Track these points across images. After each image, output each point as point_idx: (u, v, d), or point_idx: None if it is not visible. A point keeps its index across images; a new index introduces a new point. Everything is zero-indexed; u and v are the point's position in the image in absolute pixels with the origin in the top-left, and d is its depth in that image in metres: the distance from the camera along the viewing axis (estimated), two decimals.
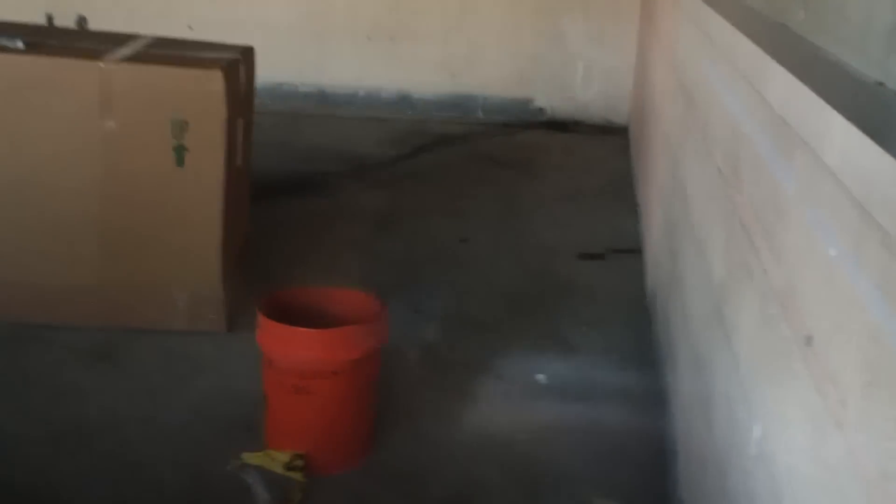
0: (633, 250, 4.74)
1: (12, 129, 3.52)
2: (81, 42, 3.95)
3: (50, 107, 3.51)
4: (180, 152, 3.50)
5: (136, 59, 3.60)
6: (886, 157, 1.14)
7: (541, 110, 7.43)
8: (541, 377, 3.46)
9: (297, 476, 2.80)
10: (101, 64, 3.49)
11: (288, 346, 2.82)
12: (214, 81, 3.49)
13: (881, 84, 1.17)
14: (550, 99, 7.42)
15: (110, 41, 3.84)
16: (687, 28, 3.78)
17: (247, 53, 3.93)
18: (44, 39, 3.78)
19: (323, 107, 7.39)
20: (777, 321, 1.72)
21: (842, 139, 1.40)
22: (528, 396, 3.37)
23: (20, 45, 3.54)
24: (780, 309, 1.70)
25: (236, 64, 3.73)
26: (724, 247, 2.37)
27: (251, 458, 2.86)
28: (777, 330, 1.72)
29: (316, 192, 5.40)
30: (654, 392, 3.37)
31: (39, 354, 3.43)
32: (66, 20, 6.96)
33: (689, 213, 3.09)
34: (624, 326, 3.93)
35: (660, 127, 4.50)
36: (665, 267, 3.62)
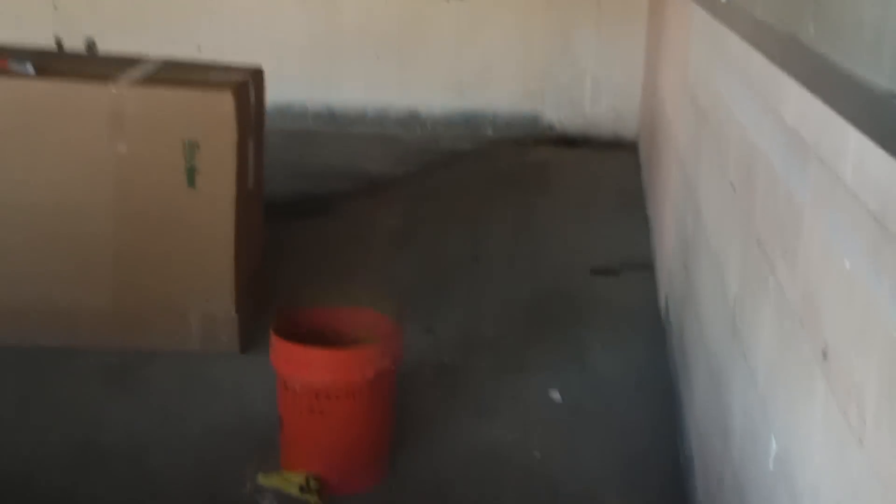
0: (646, 265, 4.73)
1: (25, 154, 3.53)
2: (91, 65, 3.96)
3: (61, 131, 3.52)
4: (192, 173, 3.51)
5: (146, 81, 3.61)
6: None
7: (550, 126, 7.43)
8: (555, 394, 3.45)
9: (312, 498, 2.79)
10: (112, 87, 3.51)
11: (302, 366, 2.81)
12: (225, 103, 3.50)
13: (895, 96, 1.16)
14: (560, 115, 7.42)
15: (120, 64, 3.85)
16: (697, 42, 3.77)
17: (256, 74, 3.93)
18: (54, 63, 3.80)
19: (333, 126, 7.40)
20: (794, 335, 1.71)
21: (856, 151, 1.39)
22: (543, 414, 3.35)
23: (30, 69, 3.56)
24: (798, 323, 1.69)
25: (246, 85, 3.74)
26: (739, 261, 2.36)
27: (267, 479, 2.86)
28: (794, 344, 1.70)
29: (327, 211, 5.40)
30: (669, 407, 3.35)
31: (54, 378, 3.43)
32: (75, 43, 7.00)
33: (703, 228, 3.08)
34: (638, 342, 3.92)
35: (671, 141, 4.49)
36: (679, 281, 3.61)
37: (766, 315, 1.98)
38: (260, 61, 4.14)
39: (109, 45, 6.82)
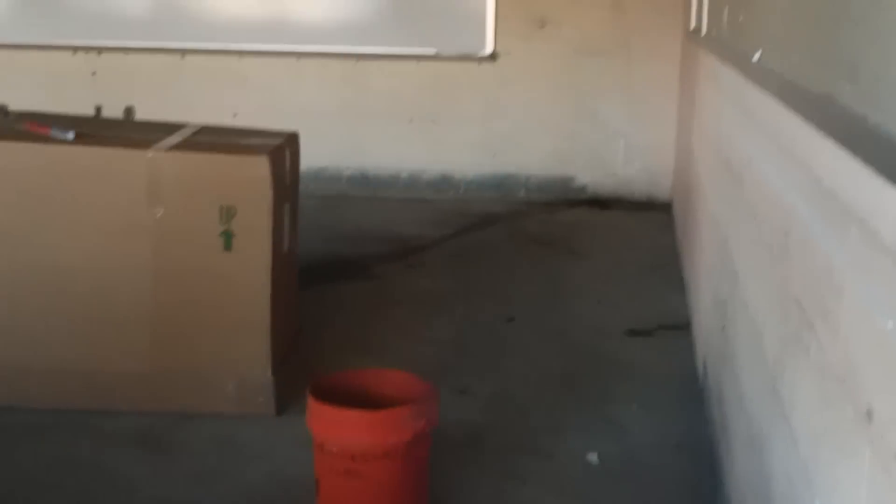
0: (682, 327, 4.70)
1: (64, 218, 3.58)
2: (129, 132, 4.02)
3: (100, 196, 3.56)
4: (228, 237, 3.54)
5: (182, 147, 3.66)
6: None
7: (583, 188, 7.45)
8: (592, 457, 3.41)
9: None
10: (149, 153, 3.55)
11: (338, 428, 2.80)
12: (260, 167, 3.53)
13: None
14: (592, 176, 7.44)
15: (157, 130, 3.90)
16: (729, 102, 3.78)
17: (291, 139, 3.98)
18: (93, 130, 3.85)
19: (366, 189, 7.46)
20: (836, 398, 1.69)
21: None
22: (579, 477, 3.32)
23: (70, 136, 3.61)
24: (839, 385, 1.67)
25: (281, 149, 3.77)
26: (778, 323, 2.34)
27: None
28: (836, 407, 1.68)
29: (362, 274, 5.42)
30: (708, 471, 3.31)
31: (90, 442, 3.44)
32: (113, 111, 7.13)
33: (740, 289, 3.06)
34: (675, 404, 3.88)
35: (705, 202, 4.48)
36: (716, 344, 3.58)
37: (806, 377, 1.96)
38: (294, 126, 4.19)
39: (147, 112, 6.92)
